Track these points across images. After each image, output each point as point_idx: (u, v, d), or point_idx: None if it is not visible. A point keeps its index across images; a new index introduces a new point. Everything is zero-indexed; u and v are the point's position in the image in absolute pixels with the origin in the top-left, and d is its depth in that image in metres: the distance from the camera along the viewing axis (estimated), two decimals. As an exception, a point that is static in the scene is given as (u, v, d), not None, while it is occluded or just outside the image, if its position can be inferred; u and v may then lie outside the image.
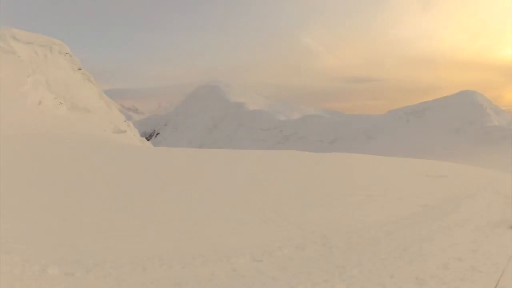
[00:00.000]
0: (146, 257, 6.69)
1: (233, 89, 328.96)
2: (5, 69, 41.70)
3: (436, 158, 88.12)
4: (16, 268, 5.81)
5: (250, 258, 6.88)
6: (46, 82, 47.09)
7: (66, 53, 54.61)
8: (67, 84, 49.92)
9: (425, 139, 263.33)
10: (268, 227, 9.74)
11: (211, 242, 7.85)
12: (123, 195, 13.44)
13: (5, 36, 47.32)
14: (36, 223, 8.88)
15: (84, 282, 5.65)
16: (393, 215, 13.12)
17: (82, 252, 6.80)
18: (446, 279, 6.20)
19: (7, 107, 34.80)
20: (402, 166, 44.17)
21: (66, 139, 30.99)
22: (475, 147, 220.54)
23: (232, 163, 27.52)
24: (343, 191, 19.39)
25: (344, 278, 6.14)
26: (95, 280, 5.74)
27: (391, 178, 29.92)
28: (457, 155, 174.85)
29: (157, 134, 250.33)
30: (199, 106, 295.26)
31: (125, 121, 57.01)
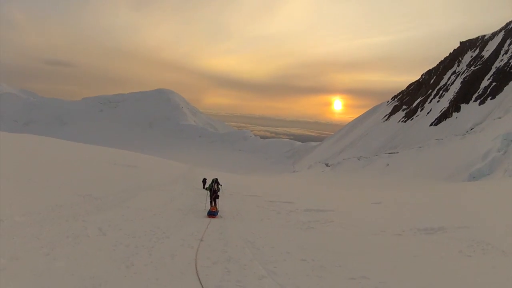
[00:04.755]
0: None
1: None
2: None
3: (130, 149, 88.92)
4: None
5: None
6: None
7: None
8: None
9: (119, 130, 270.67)
10: None
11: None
12: None
13: None
14: None
15: None
16: (35, 206, 10.56)
17: None
18: None
19: None
20: (89, 153, 40.72)
21: None
22: (169, 143, 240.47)
23: None
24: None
25: None
26: None
27: (67, 164, 25.51)
28: (151, 148, 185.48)
29: None
30: None
31: None
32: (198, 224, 12.01)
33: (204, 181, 29.62)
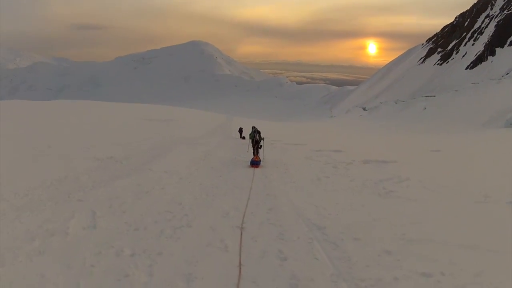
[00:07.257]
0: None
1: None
2: None
3: (166, 104, 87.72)
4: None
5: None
6: None
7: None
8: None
9: (154, 86, 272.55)
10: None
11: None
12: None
13: None
14: None
15: None
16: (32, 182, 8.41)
17: None
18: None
19: None
20: (122, 112, 38.60)
21: None
22: (206, 94, 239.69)
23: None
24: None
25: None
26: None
27: (96, 125, 23.29)
28: (187, 101, 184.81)
29: None
30: None
31: None
32: (236, 191, 8.99)
33: (241, 130, 28.00)
